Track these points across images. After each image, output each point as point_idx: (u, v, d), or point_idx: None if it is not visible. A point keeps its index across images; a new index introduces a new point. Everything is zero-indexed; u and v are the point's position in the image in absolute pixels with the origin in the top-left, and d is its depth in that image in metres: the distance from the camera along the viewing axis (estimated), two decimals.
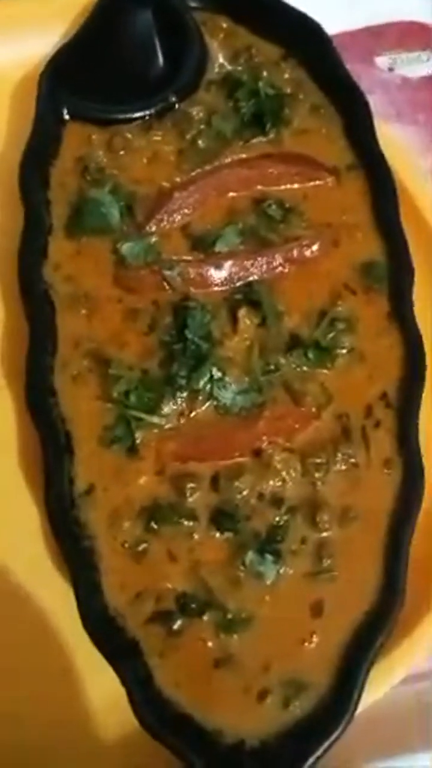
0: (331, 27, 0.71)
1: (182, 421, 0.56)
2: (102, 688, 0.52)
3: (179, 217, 0.62)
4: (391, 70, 0.81)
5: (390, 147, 0.66)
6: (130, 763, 0.52)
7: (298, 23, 0.69)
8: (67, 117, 0.65)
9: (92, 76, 0.66)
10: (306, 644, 0.51)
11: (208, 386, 0.56)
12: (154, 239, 0.61)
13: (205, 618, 0.51)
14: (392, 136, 0.69)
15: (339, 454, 0.56)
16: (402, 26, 0.82)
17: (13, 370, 0.59)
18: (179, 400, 0.56)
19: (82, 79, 0.66)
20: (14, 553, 0.56)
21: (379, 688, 0.52)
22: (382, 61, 0.81)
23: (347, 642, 0.51)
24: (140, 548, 0.52)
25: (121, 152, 0.64)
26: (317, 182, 0.65)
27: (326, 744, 0.48)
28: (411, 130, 0.77)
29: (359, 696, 0.49)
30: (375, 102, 0.69)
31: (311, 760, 0.47)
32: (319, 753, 0.47)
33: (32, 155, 0.63)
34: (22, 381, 0.56)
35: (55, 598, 0.54)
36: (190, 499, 0.54)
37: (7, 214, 0.64)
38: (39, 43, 0.68)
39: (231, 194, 0.64)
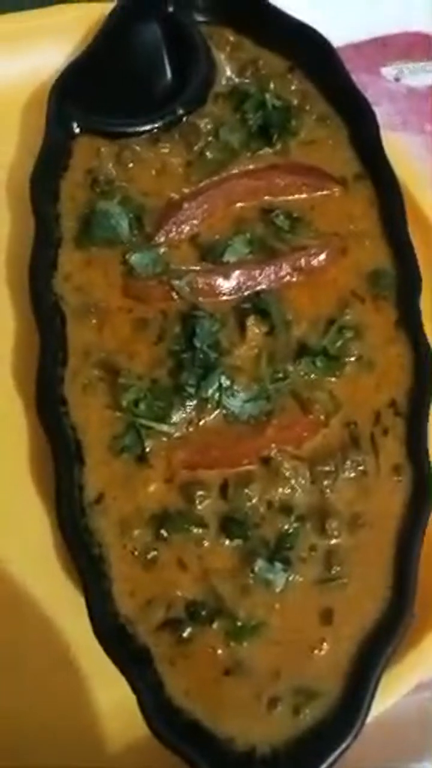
0: (337, 38, 0.71)
1: (191, 429, 0.56)
2: (110, 695, 0.52)
3: (188, 227, 0.63)
4: (397, 80, 0.81)
5: (397, 156, 0.66)
6: None
7: (303, 35, 0.69)
8: (76, 130, 0.66)
9: (101, 90, 0.67)
10: (316, 652, 0.51)
11: (217, 395, 0.57)
12: (162, 250, 0.62)
13: (214, 626, 0.51)
14: (399, 146, 0.69)
15: (348, 462, 0.56)
16: (408, 37, 0.83)
17: (24, 380, 0.60)
18: (188, 409, 0.56)
19: (92, 93, 0.66)
20: (25, 560, 0.56)
21: (390, 696, 0.52)
22: (388, 71, 0.81)
23: (357, 650, 0.51)
24: (150, 556, 0.53)
25: (130, 164, 0.65)
26: (324, 192, 0.66)
27: (338, 752, 0.47)
28: (418, 140, 0.78)
29: (370, 704, 0.49)
30: (381, 112, 0.69)
31: None
32: (330, 761, 0.47)
33: (42, 168, 0.64)
34: (32, 391, 0.57)
35: (66, 605, 0.54)
36: (200, 507, 0.54)
37: (18, 226, 0.65)
38: (49, 57, 0.70)
39: (239, 205, 0.65)
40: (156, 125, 0.67)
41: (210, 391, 0.57)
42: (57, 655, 0.54)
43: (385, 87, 0.80)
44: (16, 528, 0.57)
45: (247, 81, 0.69)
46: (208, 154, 0.66)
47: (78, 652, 0.54)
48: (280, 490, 0.55)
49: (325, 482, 0.55)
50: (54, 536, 0.56)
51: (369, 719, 0.49)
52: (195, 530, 0.53)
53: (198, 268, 0.62)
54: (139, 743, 0.51)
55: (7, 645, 0.55)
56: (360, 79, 0.71)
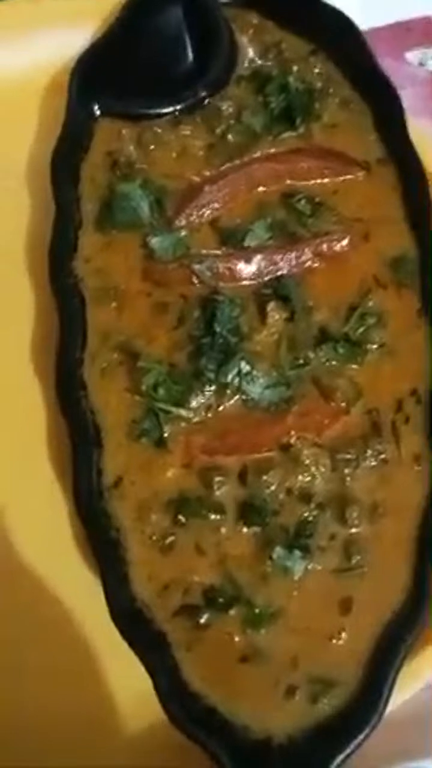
0: (361, 22, 0.70)
1: (210, 414, 0.56)
2: (127, 680, 0.52)
3: (208, 211, 0.62)
4: (421, 65, 0.80)
5: (420, 141, 0.65)
6: (153, 757, 0.52)
7: (328, 18, 0.69)
8: (98, 113, 0.66)
9: (123, 73, 0.67)
10: (334, 641, 0.50)
11: (237, 380, 0.56)
12: (183, 233, 0.61)
13: (232, 612, 0.51)
14: (422, 131, 0.68)
15: (368, 450, 0.55)
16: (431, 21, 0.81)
17: (43, 363, 0.60)
18: (207, 394, 0.56)
19: (113, 76, 0.66)
20: (43, 544, 0.56)
21: (409, 687, 0.51)
22: (412, 56, 0.80)
23: (376, 639, 0.50)
24: (168, 541, 0.52)
25: (151, 147, 0.65)
26: (347, 177, 0.65)
27: (355, 742, 0.47)
28: None
29: (389, 695, 0.48)
30: (405, 96, 0.68)
31: (340, 758, 0.46)
32: (348, 751, 0.47)
33: (63, 151, 0.63)
34: (52, 374, 0.57)
35: (83, 589, 0.54)
36: (218, 493, 0.54)
37: (38, 209, 0.65)
38: (71, 40, 0.69)
39: (260, 189, 0.64)
40: (177, 107, 0.66)
41: (229, 377, 0.56)
42: (74, 640, 0.54)
43: (408, 72, 0.79)
44: (34, 512, 0.57)
45: (269, 64, 0.69)
46: (229, 137, 0.65)
47: (95, 637, 0.54)
48: (300, 477, 0.54)
49: (346, 470, 0.54)
50: (71, 520, 0.56)
51: (388, 711, 0.48)
52: (213, 516, 0.53)
53: (218, 252, 0.61)
54: (155, 729, 0.51)
55: (24, 629, 0.55)
56: (383, 63, 0.70)
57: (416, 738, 0.54)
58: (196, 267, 0.59)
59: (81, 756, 0.51)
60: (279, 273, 0.60)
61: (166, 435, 0.55)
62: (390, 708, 0.49)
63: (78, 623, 0.54)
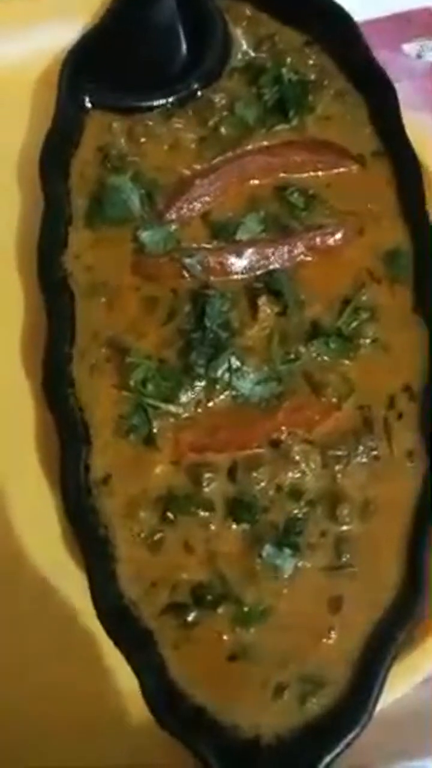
0: (358, 13, 0.69)
1: (200, 410, 0.55)
2: (118, 678, 0.52)
3: (200, 204, 0.62)
4: (419, 57, 0.79)
5: (416, 134, 0.64)
6: (144, 754, 0.51)
7: (323, 9, 0.68)
8: (88, 105, 0.65)
9: (114, 65, 0.66)
10: (324, 640, 0.50)
11: (227, 375, 0.55)
12: (174, 227, 0.61)
13: (220, 610, 0.50)
14: (419, 124, 0.67)
15: (360, 446, 0.54)
16: (431, 12, 0.80)
17: (31, 360, 0.59)
18: (197, 390, 0.55)
19: (104, 68, 0.65)
20: (30, 541, 0.56)
21: (400, 686, 0.51)
22: (410, 47, 0.79)
23: (367, 638, 0.49)
24: (156, 538, 0.52)
25: (142, 140, 0.64)
26: (341, 169, 0.64)
27: (344, 742, 0.46)
28: None
29: (378, 694, 0.48)
30: (402, 89, 0.67)
31: (329, 758, 0.46)
32: (337, 751, 0.46)
33: (53, 144, 0.63)
34: (40, 370, 0.56)
35: (74, 587, 0.53)
36: (207, 489, 0.53)
37: (27, 204, 0.65)
38: (61, 32, 0.68)
39: (253, 182, 0.63)
40: (169, 100, 0.65)
41: (219, 372, 0.55)
42: (59, 638, 0.54)
43: (405, 64, 0.78)
44: (21, 508, 0.57)
45: (263, 55, 0.68)
46: (222, 129, 0.64)
47: (81, 636, 0.53)
48: (290, 474, 0.53)
49: (337, 467, 0.54)
50: (59, 516, 0.55)
51: (379, 710, 0.48)
52: (202, 513, 0.52)
53: (210, 246, 0.60)
54: (146, 727, 0.50)
55: (9, 626, 0.54)
56: (380, 55, 0.69)
57: (416, 737, 0.53)
58: (187, 261, 0.58)
59: (74, 757, 0.51)
60: (271, 267, 0.59)
61: (155, 431, 0.54)
62: (389, 704, 0.49)
63: (64, 621, 0.54)
